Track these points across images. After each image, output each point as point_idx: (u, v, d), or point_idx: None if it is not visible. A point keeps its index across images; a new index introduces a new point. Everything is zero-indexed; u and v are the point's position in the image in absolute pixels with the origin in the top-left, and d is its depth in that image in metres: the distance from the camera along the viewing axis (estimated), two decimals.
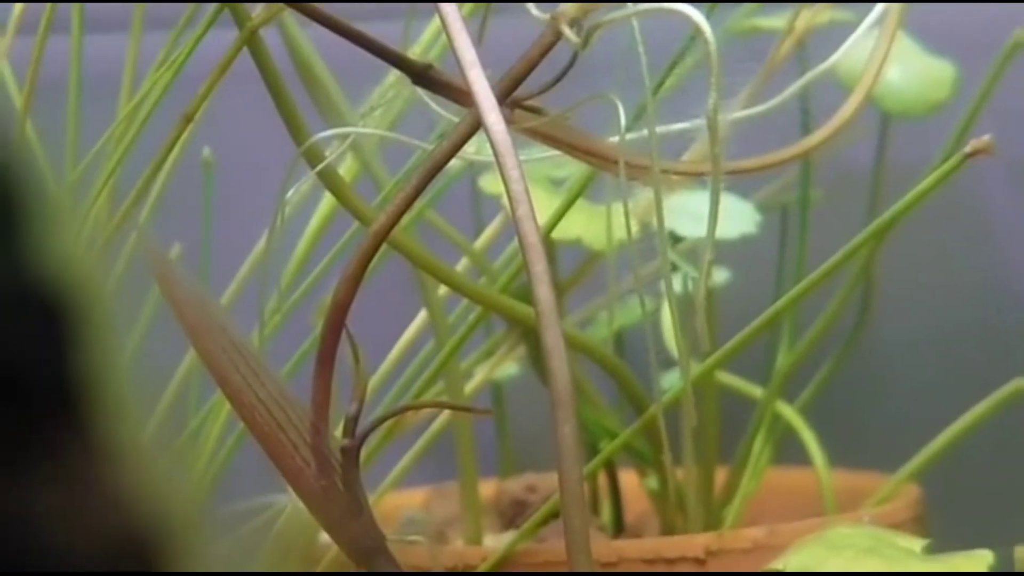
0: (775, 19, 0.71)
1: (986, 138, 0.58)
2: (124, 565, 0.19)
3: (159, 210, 0.67)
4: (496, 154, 0.51)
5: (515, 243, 0.70)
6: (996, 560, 0.58)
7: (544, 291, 0.51)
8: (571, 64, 0.54)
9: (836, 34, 0.67)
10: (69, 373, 0.19)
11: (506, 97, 0.53)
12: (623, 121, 0.56)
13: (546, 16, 0.53)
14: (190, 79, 0.63)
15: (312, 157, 0.59)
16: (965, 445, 0.70)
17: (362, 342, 0.56)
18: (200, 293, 0.55)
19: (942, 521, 0.68)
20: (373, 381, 0.71)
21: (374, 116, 0.62)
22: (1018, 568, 0.60)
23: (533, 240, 0.51)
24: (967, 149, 0.59)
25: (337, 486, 0.54)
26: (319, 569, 0.60)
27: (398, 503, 0.76)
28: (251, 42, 0.57)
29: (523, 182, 0.51)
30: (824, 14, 0.70)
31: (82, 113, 0.65)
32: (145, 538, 0.19)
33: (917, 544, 0.60)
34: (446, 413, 0.73)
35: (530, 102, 0.56)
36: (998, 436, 0.79)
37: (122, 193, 0.62)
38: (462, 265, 0.71)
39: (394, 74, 0.64)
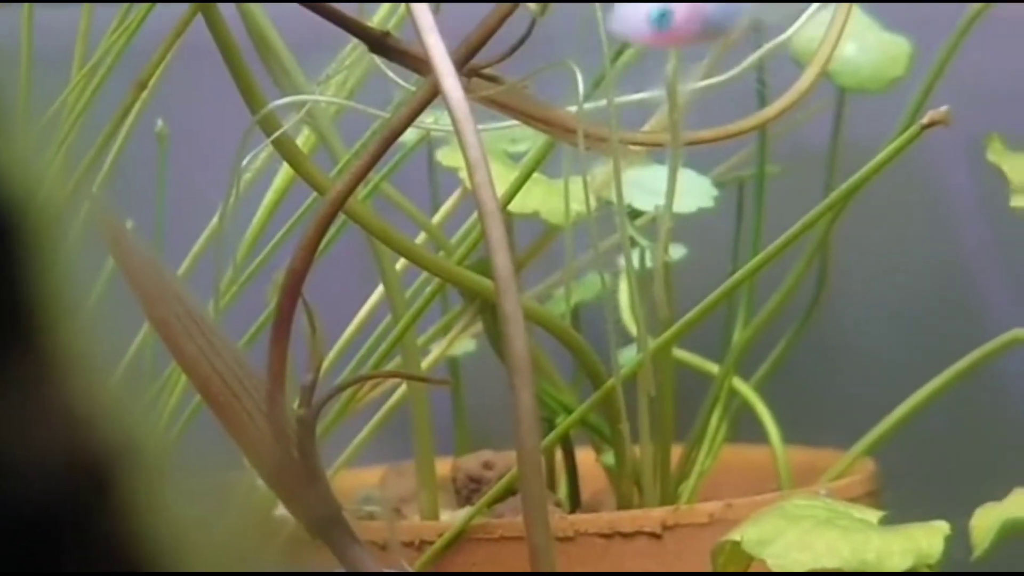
0: None
1: (943, 109, 0.59)
2: (77, 480, 0.19)
3: (113, 184, 0.66)
4: (453, 120, 0.51)
5: (472, 218, 0.70)
6: (951, 531, 0.58)
7: (502, 258, 0.51)
8: (529, 31, 0.54)
9: (793, 8, 0.67)
10: (21, 286, 0.18)
11: (464, 63, 0.53)
12: (581, 90, 0.56)
13: None
14: (144, 52, 0.62)
15: (268, 126, 0.59)
16: (920, 420, 0.70)
17: (319, 317, 0.56)
18: (155, 261, 0.54)
19: (897, 495, 0.69)
20: (329, 356, 0.70)
21: (331, 85, 0.62)
22: (972, 538, 0.60)
23: (491, 207, 0.51)
24: (924, 120, 0.59)
25: (293, 456, 0.54)
26: (279, 543, 0.60)
27: (354, 482, 0.76)
28: (205, 9, 0.57)
29: (481, 148, 0.51)
30: None
31: (34, 85, 0.65)
32: (100, 456, 0.19)
33: (874, 516, 0.60)
34: (402, 390, 0.73)
35: (488, 71, 0.56)
36: (952, 411, 0.80)
37: (75, 163, 0.62)
38: (419, 240, 0.71)
39: (351, 44, 0.63)
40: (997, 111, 0.80)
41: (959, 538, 0.59)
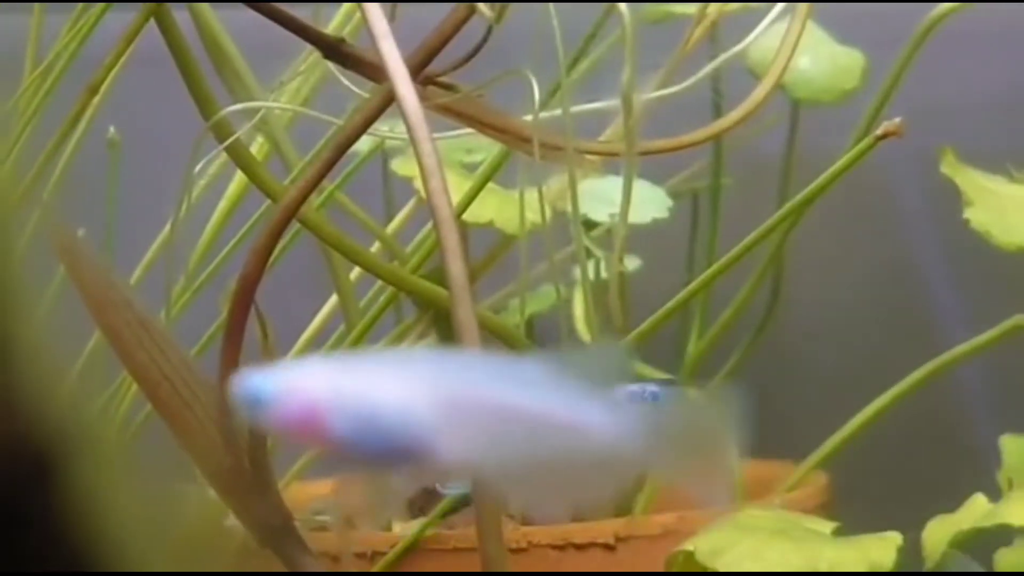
0: (688, 5, 0.71)
1: (896, 121, 0.59)
2: (16, 470, 0.18)
3: (64, 191, 0.66)
4: (408, 126, 0.51)
5: (427, 227, 0.70)
6: (904, 542, 0.58)
7: (456, 266, 0.51)
8: (485, 39, 0.53)
9: (748, 20, 0.67)
10: None
11: (419, 70, 0.53)
12: (536, 99, 0.56)
13: None
14: (96, 56, 0.62)
15: (221, 133, 0.58)
16: (873, 432, 0.71)
17: (272, 325, 0.55)
18: (105, 267, 0.54)
19: (851, 507, 0.69)
20: None
21: (285, 91, 0.62)
22: (924, 549, 0.60)
23: (446, 214, 0.51)
24: (878, 132, 0.59)
25: (244, 464, 0.53)
26: (229, 552, 0.59)
27: (306, 493, 0.75)
28: (158, 14, 0.56)
29: (436, 155, 0.51)
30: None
31: None
32: (47, 447, 0.18)
33: (827, 527, 0.60)
34: None
35: (443, 78, 0.56)
36: (905, 423, 0.80)
37: (26, 169, 0.61)
38: (373, 249, 0.70)
39: (306, 50, 0.63)
40: (950, 124, 0.81)
41: (912, 549, 0.59)
